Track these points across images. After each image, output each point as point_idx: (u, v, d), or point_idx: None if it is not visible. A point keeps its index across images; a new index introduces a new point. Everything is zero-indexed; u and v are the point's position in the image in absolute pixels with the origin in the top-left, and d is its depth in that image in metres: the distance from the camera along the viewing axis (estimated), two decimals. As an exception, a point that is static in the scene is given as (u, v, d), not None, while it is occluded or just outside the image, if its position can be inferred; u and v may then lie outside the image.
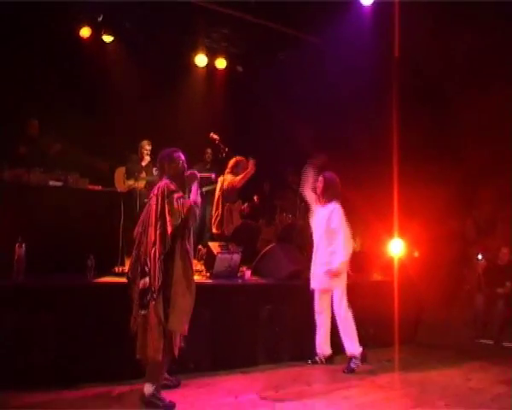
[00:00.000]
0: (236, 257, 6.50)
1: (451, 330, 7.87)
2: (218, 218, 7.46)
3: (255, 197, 7.59)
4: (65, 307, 5.09)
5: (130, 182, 8.50)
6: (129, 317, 4.84)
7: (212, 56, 10.45)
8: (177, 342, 4.70)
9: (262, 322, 6.27)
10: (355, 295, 6.53)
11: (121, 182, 8.52)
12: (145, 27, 9.52)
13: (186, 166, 5.25)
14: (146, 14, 9.03)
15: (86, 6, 8.87)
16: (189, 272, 4.82)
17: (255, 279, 6.70)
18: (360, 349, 6.23)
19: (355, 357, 6.16)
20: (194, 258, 7.08)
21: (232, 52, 10.51)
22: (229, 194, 7.36)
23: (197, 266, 6.91)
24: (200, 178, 5.30)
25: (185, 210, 4.74)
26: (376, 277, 7.97)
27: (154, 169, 8.85)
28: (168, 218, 4.69)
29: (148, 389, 4.62)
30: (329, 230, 6.25)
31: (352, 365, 6.13)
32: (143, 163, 8.78)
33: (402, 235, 8.12)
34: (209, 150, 9.20)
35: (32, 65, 8.52)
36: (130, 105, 9.47)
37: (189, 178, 5.16)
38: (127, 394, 4.94)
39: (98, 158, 8.50)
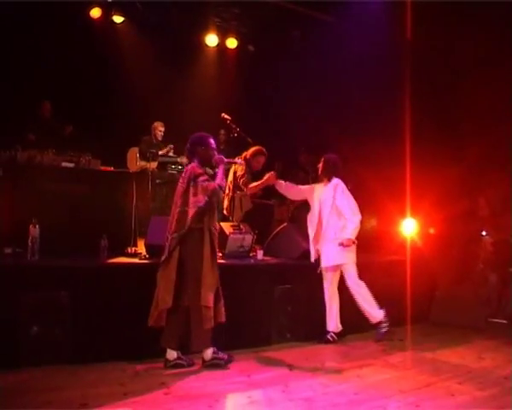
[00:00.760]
0: (249, 237, 6.51)
1: (465, 309, 7.82)
2: (228, 203, 7.40)
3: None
4: (79, 287, 5.13)
5: (143, 163, 8.51)
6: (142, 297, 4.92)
7: (222, 36, 10.38)
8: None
9: (274, 302, 6.29)
10: (368, 275, 6.55)
11: (134, 162, 8.55)
12: (155, 7, 9.46)
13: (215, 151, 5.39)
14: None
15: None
16: (215, 250, 5.15)
17: (267, 259, 6.70)
18: (383, 312, 6.41)
19: (382, 322, 6.37)
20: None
21: (243, 31, 10.44)
22: (240, 189, 7.26)
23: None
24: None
25: (209, 192, 4.96)
26: (389, 256, 7.94)
27: (167, 149, 8.88)
28: (192, 199, 4.94)
29: (207, 354, 5.14)
30: (335, 206, 6.37)
31: (383, 330, 6.35)
32: (156, 144, 8.77)
33: (415, 215, 8.09)
34: (222, 131, 9.17)
35: (43, 46, 8.51)
36: (141, 86, 9.44)
37: (216, 162, 5.33)
38: (142, 372, 4.98)
39: (110, 139, 8.51)
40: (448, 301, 8.03)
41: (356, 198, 6.53)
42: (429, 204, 8.22)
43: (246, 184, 7.05)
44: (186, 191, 5.01)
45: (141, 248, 6.18)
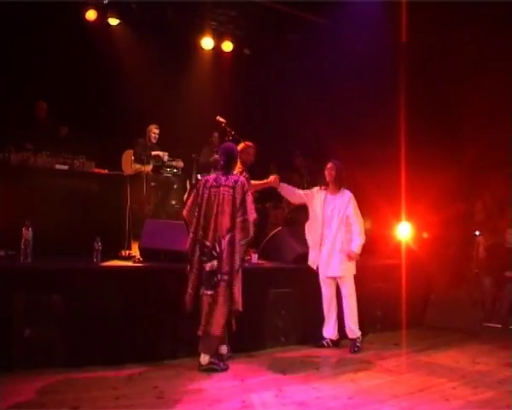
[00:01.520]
0: (243, 241, 6.48)
1: (459, 312, 7.83)
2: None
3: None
4: (72, 290, 5.11)
5: (138, 165, 8.49)
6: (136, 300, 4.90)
7: (218, 39, 10.37)
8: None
9: (269, 305, 6.28)
10: (363, 279, 6.54)
11: (129, 165, 8.52)
12: (151, 10, 9.44)
13: None
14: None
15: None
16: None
17: (262, 263, 6.69)
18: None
19: (359, 337, 6.34)
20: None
21: (239, 35, 10.42)
22: None
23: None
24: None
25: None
26: (384, 260, 7.94)
27: (162, 153, 8.86)
28: (250, 209, 5.32)
29: (204, 359, 5.22)
30: (345, 217, 6.34)
31: (359, 344, 6.30)
32: (151, 147, 8.74)
33: (410, 218, 8.09)
34: (216, 134, 9.15)
35: (39, 48, 8.48)
36: (137, 88, 9.40)
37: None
38: (135, 376, 4.96)
39: (105, 141, 8.48)
40: (443, 304, 8.03)
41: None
42: (424, 208, 8.22)
43: (248, 180, 7.05)
44: (243, 201, 5.32)
45: (135, 251, 6.17)
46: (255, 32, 10.21)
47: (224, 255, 5.22)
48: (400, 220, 8.07)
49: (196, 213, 5.31)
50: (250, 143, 7.28)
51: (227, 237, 5.24)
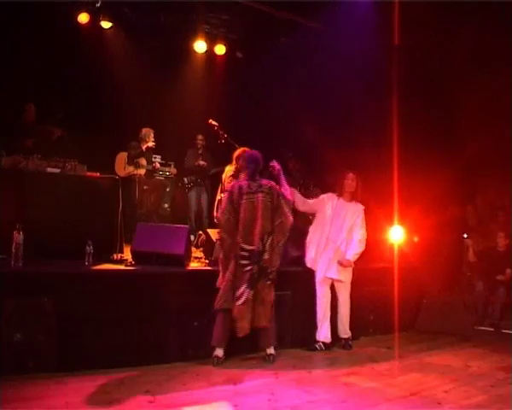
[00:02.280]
0: (235, 244, 6.47)
1: (452, 316, 7.84)
2: (217, 207, 7.36)
3: None
4: (64, 294, 5.07)
5: (131, 168, 8.47)
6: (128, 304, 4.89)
7: (211, 42, 10.36)
8: None
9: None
10: (355, 282, 6.54)
11: (121, 167, 8.50)
12: (144, 13, 9.43)
13: None
14: (145, -1, 8.96)
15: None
16: None
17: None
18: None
19: (350, 338, 6.48)
20: (193, 245, 7.10)
21: (231, 38, 10.42)
22: None
23: (196, 252, 6.90)
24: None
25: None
26: (377, 263, 7.94)
27: (154, 156, 8.86)
28: (288, 210, 5.76)
29: (272, 350, 5.75)
30: (352, 226, 6.45)
31: (350, 342, 6.47)
32: (144, 149, 8.72)
33: (402, 222, 8.09)
34: (200, 136, 9.17)
35: (30, 51, 8.45)
36: (130, 91, 9.38)
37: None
38: (127, 380, 4.93)
39: (97, 144, 8.46)
40: (435, 308, 8.04)
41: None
42: (417, 211, 8.23)
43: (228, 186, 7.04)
44: (279, 205, 5.73)
45: (127, 254, 6.14)
46: (248, 35, 10.21)
47: (267, 257, 5.60)
48: (393, 224, 8.07)
49: (232, 219, 5.58)
50: (246, 150, 7.26)
51: (269, 240, 5.63)
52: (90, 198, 6.18)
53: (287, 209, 5.76)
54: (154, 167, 8.81)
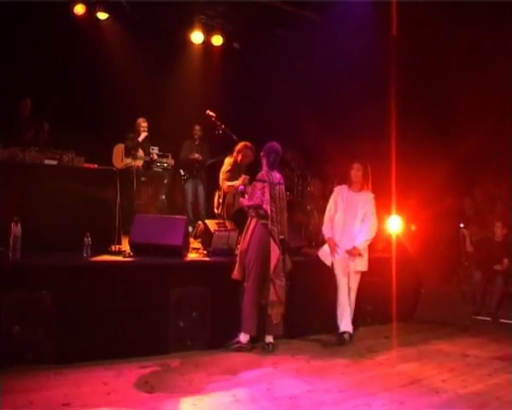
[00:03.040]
0: (234, 235, 6.47)
1: (450, 306, 7.86)
2: (220, 200, 7.35)
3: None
4: (62, 286, 5.07)
5: (128, 160, 8.45)
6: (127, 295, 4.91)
7: (208, 33, 10.33)
8: None
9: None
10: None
11: (119, 159, 8.48)
12: (140, 4, 9.37)
13: None
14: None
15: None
16: None
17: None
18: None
19: (347, 332, 6.35)
20: (191, 236, 7.09)
21: (228, 29, 10.39)
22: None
23: (194, 243, 6.90)
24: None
25: None
26: (375, 254, 7.93)
27: (152, 147, 8.84)
28: None
29: (270, 338, 5.84)
30: (364, 216, 6.40)
31: (345, 338, 6.32)
32: (140, 141, 8.70)
33: (400, 212, 8.10)
34: (197, 127, 9.15)
35: (26, 43, 8.40)
36: (127, 83, 9.33)
37: None
38: (126, 372, 4.93)
39: (94, 136, 8.43)
40: (433, 298, 8.06)
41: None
42: (415, 201, 8.24)
43: (223, 181, 7.03)
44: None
45: (125, 246, 6.14)
46: (245, 26, 10.19)
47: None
48: (391, 214, 8.08)
49: (274, 208, 5.77)
50: (248, 144, 7.25)
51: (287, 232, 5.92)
52: (87, 190, 6.16)
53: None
54: (151, 159, 8.79)
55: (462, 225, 8.70)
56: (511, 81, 7.94)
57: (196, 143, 9.16)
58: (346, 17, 8.77)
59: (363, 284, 6.67)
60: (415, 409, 4.46)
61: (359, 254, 6.33)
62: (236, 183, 6.82)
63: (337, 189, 6.65)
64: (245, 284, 5.76)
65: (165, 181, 9.25)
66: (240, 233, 6.53)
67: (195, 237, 7.15)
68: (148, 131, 8.79)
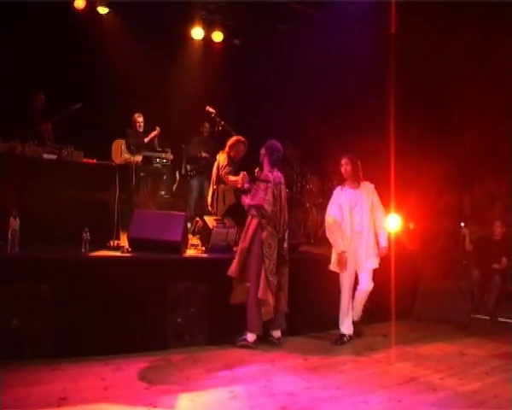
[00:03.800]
0: (232, 231, 6.48)
1: (448, 304, 7.88)
2: (213, 196, 7.33)
3: (256, 171, 7.41)
4: (60, 281, 5.07)
5: (127, 155, 8.43)
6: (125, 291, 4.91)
7: (208, 29, 10.31)
8: None
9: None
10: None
11: (118, 155, 8.46)
12: (141, -1, 9.38)
13: None
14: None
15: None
16: None
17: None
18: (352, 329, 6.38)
19: (345, 335, 6.29)
20: (190, 232, 7.09)
21: (229, 25, 10.37)
22: (223, 181, 7.19)
23: (193, 240, 6.90)
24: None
25: None
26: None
27: (155, 133, 8.78)
28: None
29: (278, 333, 5.94)
30: (370, 211, 6.29)
31: (343, 340, 6.26)
32: (141, 137, 8.67)
33: (399, 210, 8.09)
34: (207, 124, 9.10)
35: (26, 37, 8.39)
36: (126, 78, 9.33)
37: None
38: (124, 367, 4.93)
39: (94, 131, 8.42)
40: (431, 296, 8.06)
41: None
42: (414, 199, 8.23)
43: (225, 175, 7.02)
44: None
45: (123, 241, 6.13)
46: (245, 22, 10.17)
47: (286, 246, 5.96)
48: (389, 212, 8.07)
49: (275, 209, 5.81)
50: (242, 138, 7.24)
51: (286, 230, 5.99)
52: (86, 185, 6.16)
53: None
54: (154, 137, 8.71)
55: (462, 225, 8.70)
56: (511, 78, 7.94)
57: (204, 139, 9.10)
58: (345, 13, 8.77)
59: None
60: (412, 407, 4.46)
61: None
62: (237, 178, 6.82)
63: (336, 191, 6.45)
64: (247, 284, 5.76)
65: (165, 177, 9.24)
66: (238, 230, 6.54)
67: (194, 234, 7.15)
68: (144, 127, 8.74)
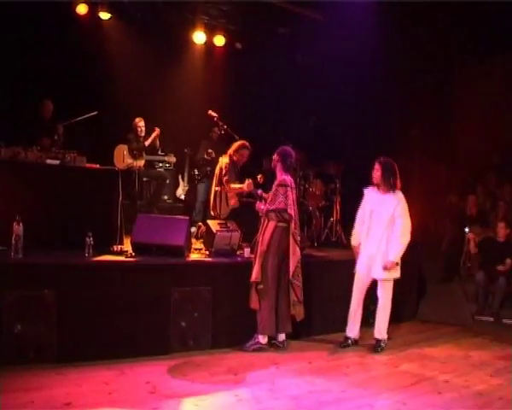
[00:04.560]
0: (236, 235, 6.46)
1: (452, 306, 7.87)
2: (215, 198, 7.32)
3: (259, 177, 7.40)
4: (64, 285, 5.07)
5: (130, 160, 8.44)
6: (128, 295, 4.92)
7: (210, 33, 10.32)
8: None
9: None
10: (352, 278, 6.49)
11: (120, 160, 8.46)
12: (142, 4, 9.38)
13: None
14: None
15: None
16: None
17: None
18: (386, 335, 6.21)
19: (385, 340, 6.16)
20: (193, 236, 7.08)
21: (231, 29, 10.38)
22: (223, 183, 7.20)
23: (196, 244, 6.89)
24: None
25: None
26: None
27: (154, 136, 8.77)
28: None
29: (283, 336, 5.94)
30: (392, 219, 6.01)
31: (383, 344, 6.13)
32: (143, 141, 8.68)
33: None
34: (216, 129, 9.05)
35: (28, 43, 8.41)
36: (129, 83, 9.34)
37: None
38: (127, 371, 4.93)
39: (96, 136, 8.44)
40: (436, 298, 8.05)
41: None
42: (418, 201, 8.22)
43: (227, 182, 7.01)
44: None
45: (127, 246, 6.13)
46: (247, 25, 10.18)
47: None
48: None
49: (296, 212, 5.95)
50: (246, 143, 7.24)
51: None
52: (89, 190, 6.15)
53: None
54: (154, 138, 8.69)
55: (467, 230, 8.68)
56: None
57: (213, 144, 9.04)
58: (347, 17, 8.79)
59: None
60: (418, 409, 4.44)
61: (396, 264, 6.02)
62: (241, 186, 6.83)
63: (366, 190, 6.26)
64: (261, 287, 5.74)
65: (168, 181, 9.24)
66: (241, 233, 6.54)
67: (197, 238, 7.14)
68: (145, 131, 8.74)
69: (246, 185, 6.71)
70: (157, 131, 8.69)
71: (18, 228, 5.12)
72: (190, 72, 10.43)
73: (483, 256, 8.30)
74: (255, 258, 5.84)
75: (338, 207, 8.91)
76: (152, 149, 8.75)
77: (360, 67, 9.10)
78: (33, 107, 7.89)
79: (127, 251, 5.89)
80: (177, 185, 9.72)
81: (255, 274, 5.74)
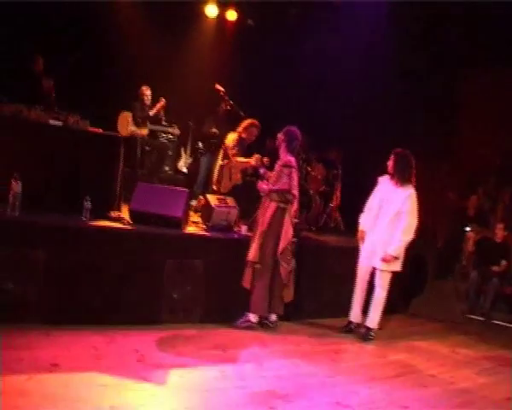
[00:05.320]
0: (234, 212, 6.44)
1: (444, 303, 7.90)
2: (219, 172, 7.32)
3: (265, 159, 7.34)
4: (57, 247, 5.05)
5: (134, 128, 8.37)
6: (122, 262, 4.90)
7: (222, 7, 10.22)
8: None
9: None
10: (350, 262, 6.48)
11: (124, 127, 8.39)
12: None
13: None
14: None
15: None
16: None
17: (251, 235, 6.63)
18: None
19: (374, 329, 6.17)
20: (192, 209, 7.06)
21: (243, 4, 10.26)
22: (229, 158, 7.17)
23: (194, 217, 6.87)
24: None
25: None
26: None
27: (160, 105, 8.70)
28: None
29: (274, 317, 5.92)
30: (399, 213, 5.95)
31: (373, 334, 6.13)
32: (148, 110, 8.61)
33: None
34: (223, 105, 8.99)
35: (34, 5, 8.29)
36: (137, 52, 9.26)
37: None
38: (117, 337, 4.93)
39: (101, 101, 8.36)
40: (428, 294, 8.08)
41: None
42: (418, 196, 8.21)
43: (234, 155, 6.99)
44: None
45: (125, 213, 6.11)
46: (260, 3, 10.05)
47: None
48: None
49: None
50: (256, 122, 7.21)
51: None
52: (90, 154, 6.08)
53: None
54: (159, 108, 8.63)
55: (468, 229, 8.68)
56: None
57: (219, 119, 8.96)
58: (362, 3, 8.72)
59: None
60: (402, 401, 4.45)
61: (395, 258, 5.98)
62: (248, 160, 6.80)
63: (381, 179, 6.21)
64: (258, 266, 5.74)
65: (170, 153, 9.18)
66: (239, 210, 6.52)
67: (196, 211, 7.13)
68: (152, 100, 8.67)
69: (254, 159, 6.68)
70: (163, 101, 8.61)
71: (16, 185, 5.06)
72: (200, 45, 10.34)
73: (479, 256, 8.32)
74: (254, 237, 5.82)
75: (338, 193, 8.89)
76: (156, 119, 8.68)
77: (370, 59, 9.04)
78: (28, 64, 7.80)
79: (124, 218, 5.87)
80: (178, 157, 9.66)
81: (253, 254, 5.72)
